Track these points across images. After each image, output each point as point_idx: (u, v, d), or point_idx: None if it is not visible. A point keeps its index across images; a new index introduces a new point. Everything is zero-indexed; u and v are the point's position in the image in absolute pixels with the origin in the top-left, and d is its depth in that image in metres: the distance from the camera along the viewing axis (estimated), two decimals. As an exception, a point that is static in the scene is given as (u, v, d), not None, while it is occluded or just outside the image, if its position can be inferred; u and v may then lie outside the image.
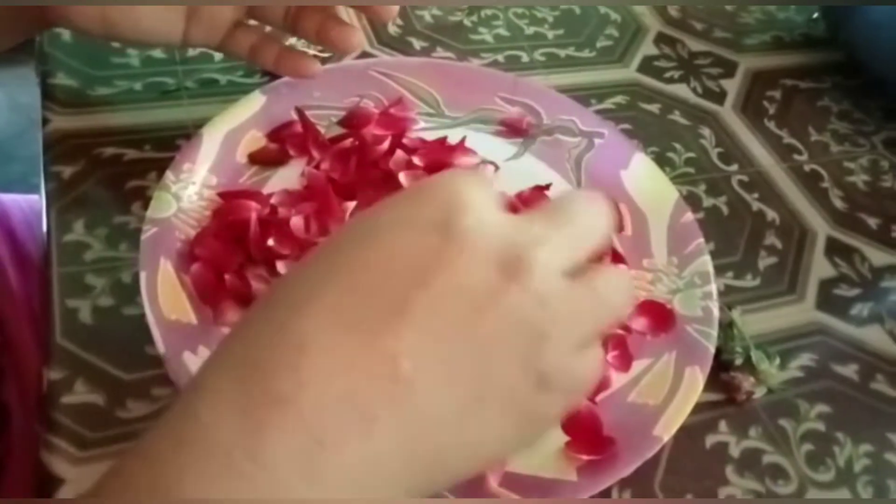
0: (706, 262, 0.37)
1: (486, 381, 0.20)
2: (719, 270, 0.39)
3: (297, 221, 0.35)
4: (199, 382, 0.20)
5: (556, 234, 0.22)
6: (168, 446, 0.18)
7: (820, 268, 0.41)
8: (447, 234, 0.20)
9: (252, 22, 0.38)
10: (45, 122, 0.39)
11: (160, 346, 0.29)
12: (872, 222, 0.45)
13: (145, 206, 0.34)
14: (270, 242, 0.34)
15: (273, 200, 0.36)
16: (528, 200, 0.38)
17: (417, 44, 0.49)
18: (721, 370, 0.35)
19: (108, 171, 0.37)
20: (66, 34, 0.44)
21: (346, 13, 0.50)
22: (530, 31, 0.52)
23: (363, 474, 0.19)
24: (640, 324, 0.35)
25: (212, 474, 0.18)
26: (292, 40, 0.34)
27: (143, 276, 0.31)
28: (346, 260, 0.21)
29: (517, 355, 0.20)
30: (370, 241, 0.21)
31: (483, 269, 0.20)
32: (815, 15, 0.60)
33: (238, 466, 0.18)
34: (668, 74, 0.52)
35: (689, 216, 0.39)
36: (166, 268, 0.32)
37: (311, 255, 0.22)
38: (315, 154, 0.39)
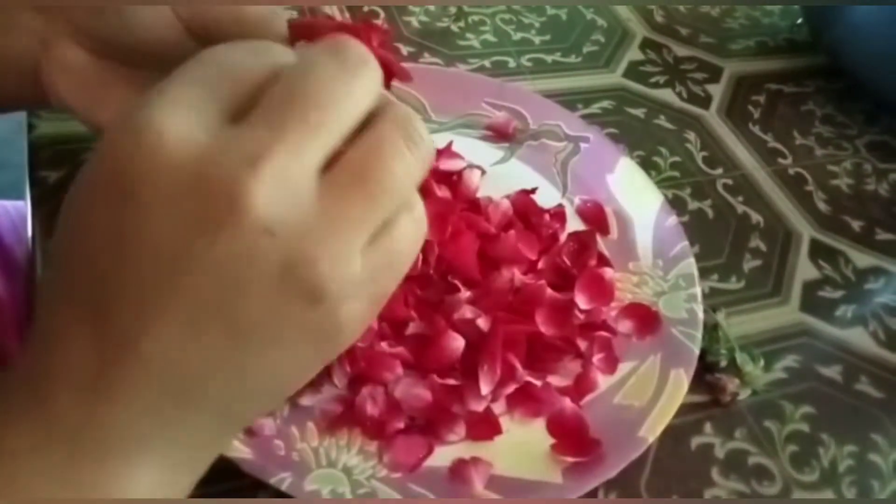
0: (691, 265, 0.37)
1: (234, 325, 0.18)
2: (704, 273, 0.39)
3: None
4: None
5: (278, 138, 0.17)
6: None
7: (804, 270, 0.42)
8: (128, 200, 0.17)
9: None
10: (31, 127, 0.39)
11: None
12: (856, 225, 0.45)
13: (131, 212, 0.34)
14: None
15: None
16: (516, 205, 0.39)
17: (404, 49, 0.49)
18: (706, 372, 0.35)
19: (94, 176, 0.37)
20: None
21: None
22: (517, 36, 0.53)
23: (150, 441, 0.19)
24: (625, 326, 0.35)
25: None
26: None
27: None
28: (67, 256, 0.19)
29: (264, 284, 0.18)
30: (73, 238, 0.19)
31: (176, 222, 0.17)
32: (799, 20, 0.60)
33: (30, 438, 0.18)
34: (653, 79, 0.52)
35: (674, 219, 0.39)
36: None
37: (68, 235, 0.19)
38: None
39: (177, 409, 0.19)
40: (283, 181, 0.17)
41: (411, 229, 0.20)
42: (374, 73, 0.20)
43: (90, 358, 0.18)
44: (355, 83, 0.19)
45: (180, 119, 0.17)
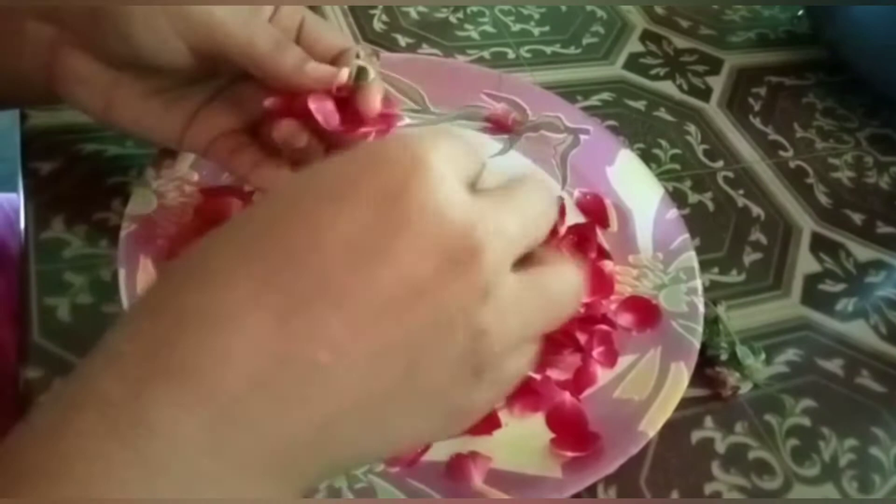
0: (691, 258, 0.37)
1: (414, 378, 0.19)
2: (705, 266, 0.39)
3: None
4: (103, 349, 0.18)
5: (511, 221, 0.20)
6: (57, 415, 0.17)
7: (805, 263, 0.42)
8: (391, 213, 0.18)
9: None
10: (23, 118, 0.38)
11: (139, 344, 0.28)
12: (857, 218, 0.45)
13: (125, 203, 0.33)
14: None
15: (255, 197, 0.36)
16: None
17: (403, 40, 0.49)
18: (706, 366, 0.35)
19: (88, 167, 0.37)
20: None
21: (332, 12, 0.50)
22: (516, 27, 0.52)
23: (266, 458, 0.18)
24: (625, 319, 0.35)
25: (105, 451, 0.16)
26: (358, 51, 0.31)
27: (122, 273, 0.30)
28: (275, 229, 0.19)
29: (452, 351, 0.19)
30: (304, 212, 0.19)
31: (428, 258, 0.18)
32: (800, 13, 0.60)
33: (127, 434, 0.16)
34: (653, 71, 0.52)
35: (675, 212, 0.39)
36: (146, 265, 0.31)
37: (237, 216, 0.20)
38: (298, 150, 0.39)
39: (318, 431, 0.18)
40: (505, 260, 0.20)
41: (533, 353, 0.22)
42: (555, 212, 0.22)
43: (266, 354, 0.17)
44: (553, 213, 0.22)
45: (452, 172, 0.19)
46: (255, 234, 0.19)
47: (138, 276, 0.31)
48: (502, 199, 0.20)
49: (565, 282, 0.21)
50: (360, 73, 0.30)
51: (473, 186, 0.20)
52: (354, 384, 0.18)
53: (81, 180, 0.36)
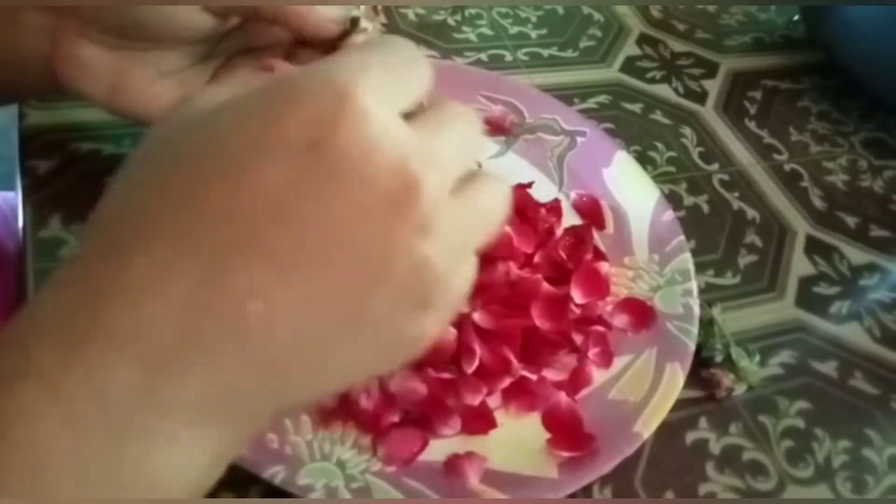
0: (687, 260, 0.37)
1: (355, 316, 0.19)
2: (700, 268, 0.39)
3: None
4: (29, 314, 0.18)
5: (445, 149, 0.19)
6: None
7: (799, 266, 0.42)
8: (316, 159, 0.17)
9: None
10: (21, 116, 0.38)
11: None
12: (851, 221, 0.45)
13: (123, 202, 0.33)
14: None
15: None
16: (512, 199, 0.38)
17: (401, 42, 0.49)
18: (701, 367, 0.35)
19: (86, 166, 0.37)
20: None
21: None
22: (514, 30, 0.53)
23: (203, 404, 0.18)
24: (621, 321, 0.35)
25: (46, 417, 0.16)
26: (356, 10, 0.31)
27: (119, 272, 0.30)
28: (196, 183, 0.18)
29: (395, 287, 0.19)
30: (226, 165, 0.18)
31: (358, 201, 0.18)
32: (796, 17, 0.60)
33: (75, 405, 0.17)
34: (650, 74, 0.52)
35: (671, 214, 0.39)
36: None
37: (141, 162, 0.19)
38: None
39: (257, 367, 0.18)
40: (443, 190, 0.19)
41: (471, 272, 0.21)
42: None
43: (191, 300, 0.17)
44: (479, 134, 0.22)
45: (382, 104, 0.18)
46: (173, 185, 0.18)
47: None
48: (434, 127, 0.20)
49: (493, 194, 0.21)
50: (353, 22, 0.31)
51: (408, 115, 0.19)
52: (290, 331, 0.18)
53: (79, 179, 0.36)
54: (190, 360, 0.17)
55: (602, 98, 0.49)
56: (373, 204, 0.18)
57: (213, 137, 0.18)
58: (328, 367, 0.20)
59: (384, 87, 0.18)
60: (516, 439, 0.30)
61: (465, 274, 0.21)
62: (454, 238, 0.19)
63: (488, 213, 0.21)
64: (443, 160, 0.19)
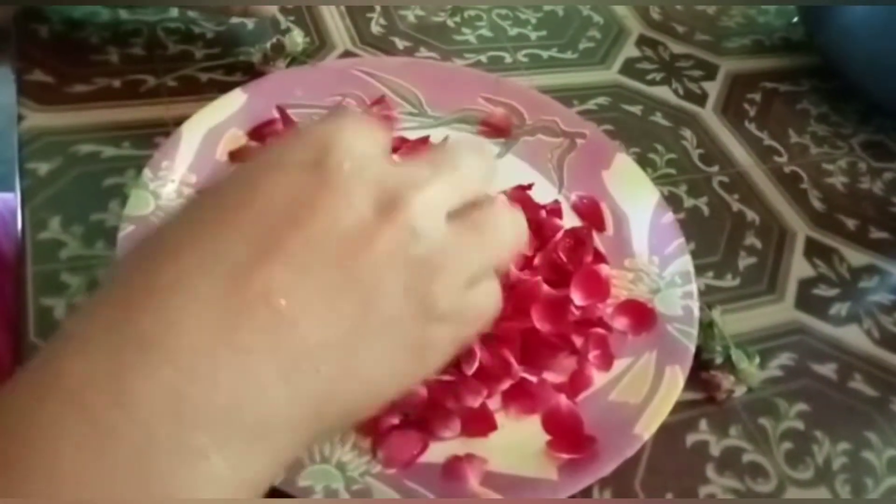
0: (687, 262, 0.37)
1: (368, 312, 0.20)
2: (700, 270, 0.39)
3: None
4: (63, 332, 0.19)
5: (437, 177, 0.22)
6: (25, 399, 0.17)
7: (799, 268, 0.42)
8: (319, 173, 0.20)
9: None
10: (20, 118, 0.38)
11: (136, 345, 0.28)
12: (851, 223, 0.45)
13: (123, 204, 0.33)
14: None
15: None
16: (512, 201, 0.38)
17: (401, 44, 0.49)
18: (701, 369, 0.35)
19: (85, 168, 0.37)
20: (43, 31, 0.43)
21: (330, 14, 0.50)
22: (513, 32, 0.53)
23: (235, 409, 0.18)
24: (621, 323, 0.35)
25: (72, 429, 0.16)
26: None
27: (119, 274, 0.30)
28: (217, 204, 0.20)
29: (398, 287, 0.20)
30: (243, 185, 0.21)
31: (356, 208, 0.20)
32: (795, 19, 0.60)
33: (101, 415, 0.16)
34: (649, 76, 0.52)
35: (670, 216, 0.39)
36: (143, 266, 0.31)
37: (184, 204, 0.22)
38: (296, 153, 0.39)
39: (287, 384, 0.19)
40: (433, 207, 0.21)
41: (493, 290, 0.24)
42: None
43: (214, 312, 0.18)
44: (490, 172, 0.24)
45: (363, 141, 0.22)
46: (201, 208, 0.21)
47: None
48: (427, 161, 0.23)
49: (501, 219, 0.23)
50: None
51: (387, 155, 0.22)
52: (313, 326, 0.19)
53: (78, 181, 0.36)
54: (220, 357, 0.18)
55: (602, 100, 0.49)
56: (364, 210, 0.20)
57: (237, 172, 0.22)
58: (357, 373, 0.20)
59: (360, 130, 0.22)
60: (516, 441, 0.30)
61: (481, 292, 0.22)
62: (451, 250, 0.21)
63: (494, 235, 0.23)
64: (427, 179, 0.21)
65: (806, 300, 0.40)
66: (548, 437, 0.31)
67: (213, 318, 0.18)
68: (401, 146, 0.40)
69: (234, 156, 0.38)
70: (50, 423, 0.16)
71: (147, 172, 0.34)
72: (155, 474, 0.17)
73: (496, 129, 0.43)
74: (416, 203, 0.21)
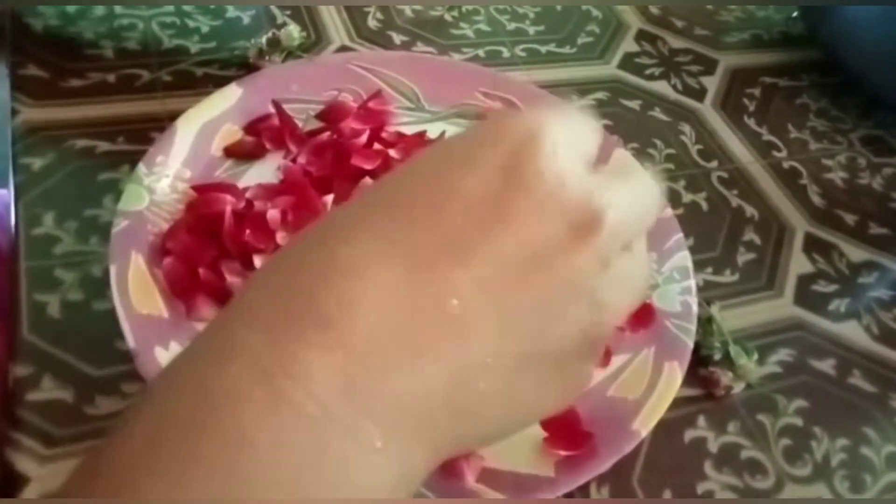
0: (685, 258, 0.37)
1: (540, 341, 0.19)
2: (698, 266, 0.39)
3: (273, 214, 0.34)
4: (236, 304, 0.18)
5: (625, 198, 0.20)
6: (203, 365, 0.17)
7: (798, 264, 0.42)
8: (516, 179, 0.19)
9: None
10: (14, 113, 0.38)
11: (130, 341, 0.28)
12: (850, 219, 0.45)
13: (117, 199, 0.33)
14: (248, 234, 0.33)
15: (248, 194, 0.35)
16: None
17: (398, 38, 0.49)
18: (700, 365, 0.35)
19: (80, 163, 0.37)
20: (37, 25, 0.43)
21: (327, 9, 0.49)
22: (511, 26, 0.52)
23: (400, 408, 0.17)
24: (619, 319, 0.35)
25: (253, 394, 0.16)
26: None
27: (113, 269, 0.30)
28: (404, 192, 0.19)
29: (577, 322, 0.19)
30: (428, 177, 0.19)
31: (549, 224, 0.19)
32: (794, 14, 0.60)
33: (281, 384, 0.16)
34: (648, 71, 0.52)
35: (669, 212, 0.39)
36: (137, 261, 0.31)
37: (367, 188, 0.21)
38: (292, 148, 0.38)
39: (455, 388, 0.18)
40: (620, 233, 0.20)
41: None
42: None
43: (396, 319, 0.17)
44: (659, 205, 0.23)
45: (566, 146, 0.20)
46: (382, 198, 0.20)
47: (129, 272, 0.31)
48: (616, 178, 0.21)
49: (643, 265, 0.22)
50: None
51: (588, 164, 0.21)
52: (484, 339, 0.18)
53: (72, 176, 0.36)
54: (391, 350, 0.17)
55: (600, 95, 0.48)
56: (559, 227, 0.19)
57: (424, 161, 0.20)
58: (510, 391, 0.19)
59: (568, 132, 0.20)
60: (513, 438, 0.30)
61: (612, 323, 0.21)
62: (625, 289, 0.20)
63: (641, 282, 0.22)
64: (623, 206, 0.20)
65: (805, 296, 0.40)
66: (545, 434, 0.30)
67: (390, 310, 0.17)
68: (398, 142, 0.40)
69: (230, 151, 0.38)
70: (231, 392, 0.16)
71: (142, 167, 0.34)
72: (328, 451, 0.16)
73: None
74: (608, 228, 0.19)
